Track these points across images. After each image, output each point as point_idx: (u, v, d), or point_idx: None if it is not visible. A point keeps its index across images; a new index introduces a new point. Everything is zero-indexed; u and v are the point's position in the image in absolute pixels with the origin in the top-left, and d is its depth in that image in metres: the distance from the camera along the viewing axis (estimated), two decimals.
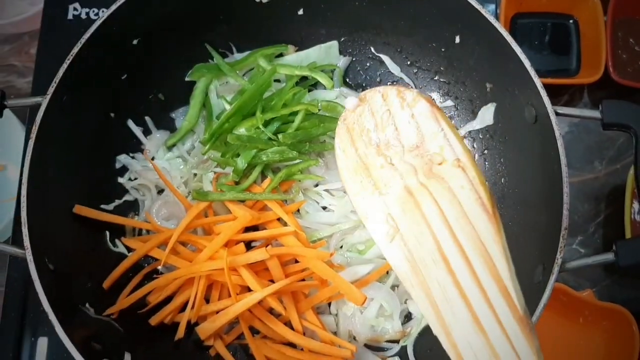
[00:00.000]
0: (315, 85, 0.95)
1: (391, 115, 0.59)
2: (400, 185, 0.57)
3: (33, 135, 0.74)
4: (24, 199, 0.72)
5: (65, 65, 0.76)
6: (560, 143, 0.70)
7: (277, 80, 0.95)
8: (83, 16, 1.08)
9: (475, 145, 0.91)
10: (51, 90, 0.75)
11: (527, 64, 0.73)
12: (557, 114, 0.71)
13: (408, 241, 0.55)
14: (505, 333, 0.50)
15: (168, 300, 0.82)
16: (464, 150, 0.55)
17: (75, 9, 1.08)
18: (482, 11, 0.77)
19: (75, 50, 0.76)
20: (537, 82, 0.73)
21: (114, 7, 0.78)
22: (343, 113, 0.64)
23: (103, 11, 1.08)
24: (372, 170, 0.59)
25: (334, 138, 0.85)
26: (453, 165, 0.55)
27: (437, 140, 0.56)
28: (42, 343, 0.92)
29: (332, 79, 0.94)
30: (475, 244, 0.52)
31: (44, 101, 0.75)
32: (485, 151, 0.89)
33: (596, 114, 0.71)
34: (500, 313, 0.51)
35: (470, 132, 0.90)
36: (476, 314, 0.51)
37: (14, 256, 0.73)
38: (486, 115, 0.87)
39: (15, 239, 0.97)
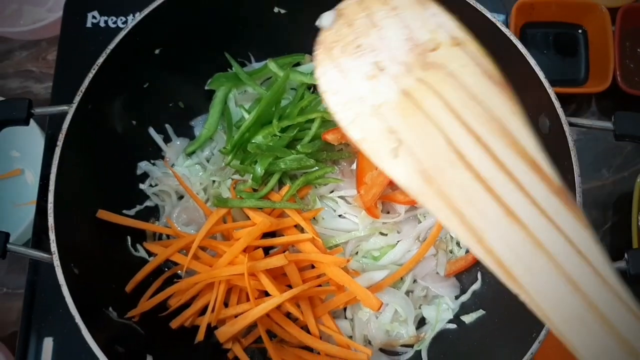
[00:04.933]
0: None
1: (371, 18, 0.52)
2: (395, 90, 0.50)
3: (60, 143, 0.75)
4: (51, 206, 0.73)
5: (91, 75, 0.78)
6: (573, 153, 0.72)
7: (295, 89, 0.97)
8: (102, 24, 1.10)
9: None
10: (77, 98, 0.77)
11: (541, 75, 0.75)
12: (571, 124, 0.73)
13: (415, 150, 0.48)
14: (545, 214, 0.43)
15: (188, 304, 0.84)
16: (457, 26, 0.49)
17: (94, 17, 1.10)
18: (495, 21, 0.79)
19: (101, 60, 0.78)
20: (551, 92, 0.75)
21: (138, 18, 0.80)
22: (320, 36, 0.54)
23: (121, 19, 1.10)
24: (361, 84, 0.51)
25: (348, 144, 0.89)
26: (449, 45, 0.49)
27: (427, 26, 0.50)
28: (48, 343, 0.94)
29: None
30: (490, 125, 0.46)
31: (71, 109, 0.76)
32: None
33: (608, 125, 0.73)
34: (534, 192, 0.43)
35: None
36: (507, 204, 0.44)
37: (39, 260, 0.75)
38: None
39: (36, 243, 0.99)
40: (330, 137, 0.86)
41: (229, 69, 0.97)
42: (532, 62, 0.76)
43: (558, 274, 0.42)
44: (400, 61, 0.50)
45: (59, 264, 0.71)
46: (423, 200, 0.47)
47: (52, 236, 0.72)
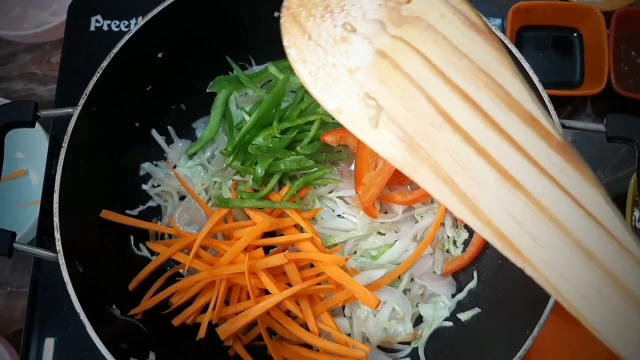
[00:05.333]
0: None
1: None
2: (369, 52, 0.45)
3: (65, 145, 0.77)
4: (56, 206, 0.75)
5: (95, 78, 0.79)
6: None
7: (294, 92, 0.98)
8: (105, 28, 1.12)
9: None
10: (82, 101, 0.79)
11: (535, 78, 0.77)
12: (564, 126, 0.75)
13: (396, 116, 0.43)
14: (547, 173, 0.38)
15: (190, 302, 0.86)
16: None
17: (97, 21, 1.12)
18: (490, 25, 0.80)
19: (105, 63, 0.80)
20: (545, 95, 0.76)
21: (141, 23, 0.82)
22: (285, 1, 0.52)
23: (124, 23, 1.12)
24: (333, 49, 0.47)
25: (347, 146, 0.91)
26: None
27: None
28: (49, 344, 0.95)
29: None
30: (477, 79, 0.41)
31: (75, 112, 0.78)
32: None
33: (601, 127, 0.75)
34: (532, 150, 0.39)
35: None
36: (502, 166, 0.39)
37: (42, 259, 0.77)
38: None
39: (40, 242, 1.00)
40: (329, 138, 0.88)
41: (230, 72, 0.99)
42: (526, 65, 0.77)
43: (567, 241, 0.38)
44: (372, 19, 0.46)
45: (63, 263, 0.73)
46: (409, 171, 0.43)
47: (57, 235, 0.74)
